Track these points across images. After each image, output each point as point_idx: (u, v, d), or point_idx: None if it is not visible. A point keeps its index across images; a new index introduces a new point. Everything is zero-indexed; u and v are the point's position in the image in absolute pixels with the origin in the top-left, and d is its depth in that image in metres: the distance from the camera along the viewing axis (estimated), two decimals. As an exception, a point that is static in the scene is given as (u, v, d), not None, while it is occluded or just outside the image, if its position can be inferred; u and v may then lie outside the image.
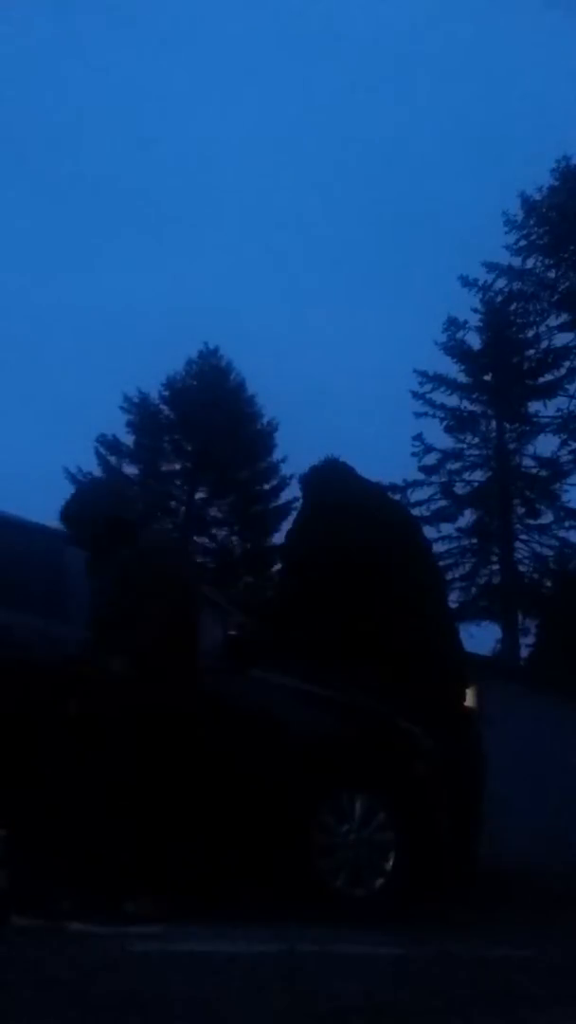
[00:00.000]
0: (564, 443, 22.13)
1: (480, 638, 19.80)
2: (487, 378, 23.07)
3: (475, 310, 23.14)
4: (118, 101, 61.71)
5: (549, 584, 21.20)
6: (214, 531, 23.14)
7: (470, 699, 8.16)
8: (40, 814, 3.77)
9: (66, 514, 4.15)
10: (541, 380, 22.70)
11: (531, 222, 22.61)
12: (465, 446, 22.96)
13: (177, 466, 23.29)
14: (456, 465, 22.77)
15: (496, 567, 22.13)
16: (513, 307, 23.02)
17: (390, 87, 60.25)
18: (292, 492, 20.74)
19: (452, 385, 22.96)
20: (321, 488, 8.52)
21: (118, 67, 57.73)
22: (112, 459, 22.42)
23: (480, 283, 22.94)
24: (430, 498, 22.31)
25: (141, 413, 23.20)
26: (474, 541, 22.42)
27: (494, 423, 23.04)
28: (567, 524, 22.13)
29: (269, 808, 4.16)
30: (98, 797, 3.58)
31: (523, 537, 22.55)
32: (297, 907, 4.07)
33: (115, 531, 4.01)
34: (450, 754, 4.95)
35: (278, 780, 4.18)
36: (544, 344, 22.79)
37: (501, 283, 22.94)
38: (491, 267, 22.82)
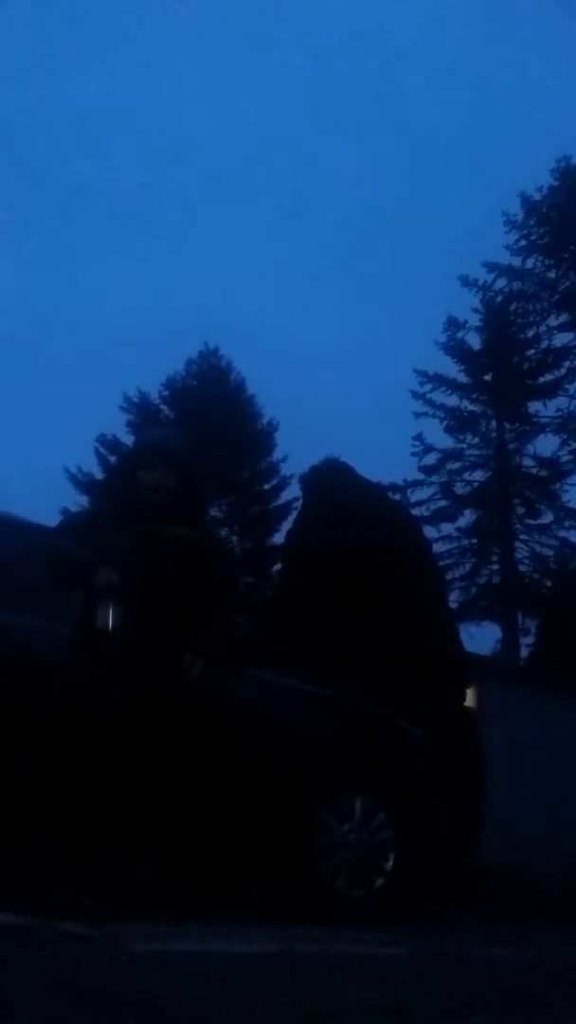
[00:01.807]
0: (564, 443, 22.13)
1: (480, 638, 19.79)
2: (487, 378, 23.04)
3: (475, 310, 23.13)
4: (117, 101, 61.74)
5: (549, 584, 21.17)
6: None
7: (470, 699, 8.19)
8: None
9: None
10: (541, 380, 22.67)
11: (531, 222, 22.58)
12: (465, 446, 22.96)
13: (177, 466, 23.24)
14: (456, 465, 22.76)
15: (496, 567, 22.12)
16: (513, 307, 22.99)
17: (389, 86, 60.25)
18: (292, 492, 20.68)
19: (452, 385, 22.94)
20: (321, 488, 8.56)
21: (117, 67, 57.75)
22: (112, 459, 22.39)
23: (480, 283, 22.92)
24: (430, 498, 22.31)
25: (141, 413, 23.15)
26: (474, 541, 22.41)
27: (494, 423, 23.03)
28: (567, 524, 22.13)
29: (269, 808, 4.15)
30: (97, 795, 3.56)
31: (523, 537, 22.56)
32: (297, 907, 4.07)
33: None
34: (450, 754, 4.95)
35: (278, 780, 4.18)
36: (544, 344, 22.76)
37: (501, 283, 22.92)
38: (491, 267, 22.80)
